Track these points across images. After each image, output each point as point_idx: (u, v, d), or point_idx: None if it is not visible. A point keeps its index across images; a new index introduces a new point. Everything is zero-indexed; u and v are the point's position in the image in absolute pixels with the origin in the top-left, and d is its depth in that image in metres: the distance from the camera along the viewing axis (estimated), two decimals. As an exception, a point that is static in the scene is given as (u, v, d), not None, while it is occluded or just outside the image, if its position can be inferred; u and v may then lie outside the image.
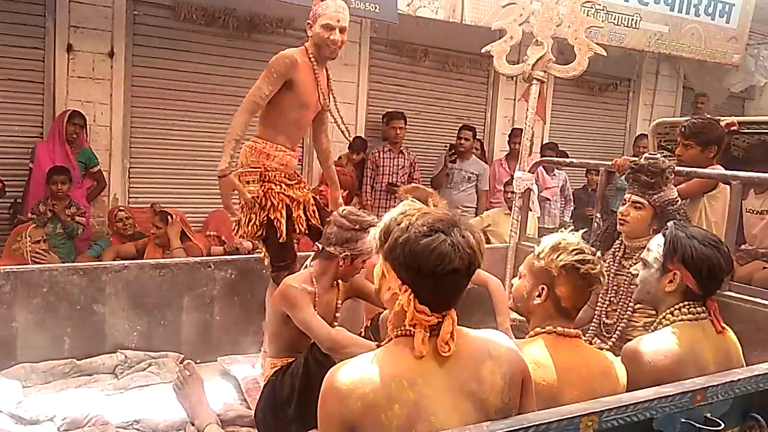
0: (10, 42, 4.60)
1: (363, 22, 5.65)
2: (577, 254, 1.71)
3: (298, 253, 2.93)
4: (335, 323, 2.46)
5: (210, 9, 5.07)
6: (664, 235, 1.97)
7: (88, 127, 4.74)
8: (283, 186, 2.80)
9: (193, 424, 2.22)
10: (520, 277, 1.84)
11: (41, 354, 2.84)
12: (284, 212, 2.78)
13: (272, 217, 2.76)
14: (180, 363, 2.97)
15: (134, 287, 3.02)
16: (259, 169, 2.74)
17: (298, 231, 2.87)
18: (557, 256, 1.71)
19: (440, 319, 1.32)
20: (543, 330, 1.73)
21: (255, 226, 2.78)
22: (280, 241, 2.76)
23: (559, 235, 1.78)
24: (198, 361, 2.97)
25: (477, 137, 6.13)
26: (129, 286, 3.01)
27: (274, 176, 2.78)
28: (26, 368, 2.77)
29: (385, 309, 2.08)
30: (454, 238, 1.29)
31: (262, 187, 2.75)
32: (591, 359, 1.72)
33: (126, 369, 2.89)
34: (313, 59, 2.82)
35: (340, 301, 2.53)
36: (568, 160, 5.52)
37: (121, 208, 4.74)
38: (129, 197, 5.13)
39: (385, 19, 5.09)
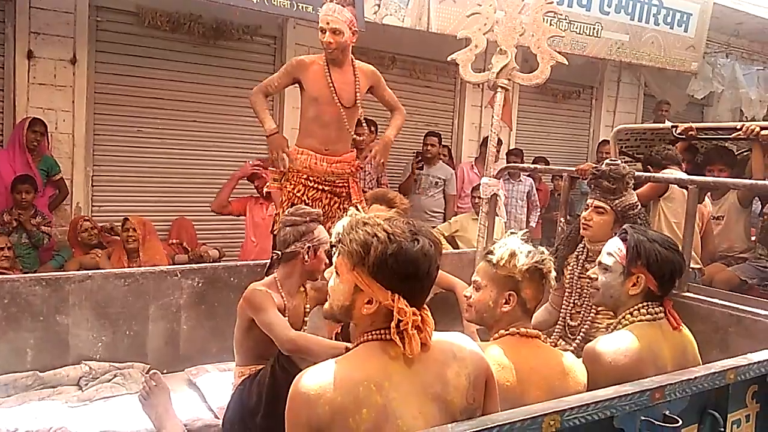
0: (-32, 48, 4.50)
1: (330, 29, 5.67)
2: (534, 256, 1.78)
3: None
4: (303, 329, 2.45)
5: (175, 15, 5.02)
6: (621, 238, 2.03)
7: (49, 134, 4.65)
8: (300, 187, 3.11)
9: (159, 435, 2.20)
10: (478, 289, 1.86)
11: (2, 367, 2.76)
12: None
13: (276, 212, 3.15)
14: (146, 373, 2.92)
15: (98, 297, 2.96)
16: (282, 170, 3.15)
17: None
18: (518, 261, 1.77)
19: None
20: (506, 332, 1.76)
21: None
22: (272, 233, 3.10)
23: (506, 241, 1.84)
24: (165, 371, 2.93)
25: (444, 144, 6.19)
26: (93, 296, 2.95)
27: (293, 176, 3.13)
28: (-13, 382, 2.70)
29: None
30: (427, 237, 1.35)
31: (281, 185, 3.14)
32: (551, 359, 1.76)
33: (91, 380, 2.82)
34: (326, 61, 3.15)
35: (308, 307, 2.53)
36: (533, 166, 5.61)
37: (86, 218, 4.65)
38: (92, 206, 5.03)
39: (352, 26, 5.11)
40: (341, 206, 3.17)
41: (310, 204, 3.05)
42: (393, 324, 1.32)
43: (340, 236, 1.38)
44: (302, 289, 2.53)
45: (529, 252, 1.79)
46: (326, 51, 3.11)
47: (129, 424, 2.48)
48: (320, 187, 3.14)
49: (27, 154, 4.45)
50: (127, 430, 2.45)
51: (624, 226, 2.11)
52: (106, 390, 2.77)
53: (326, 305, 1.45)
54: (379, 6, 5.14)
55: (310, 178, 3.12)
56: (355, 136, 3.38)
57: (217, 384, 2.88)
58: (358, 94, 3.23)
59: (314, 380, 1.30)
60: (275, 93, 3.34)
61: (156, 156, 5.23)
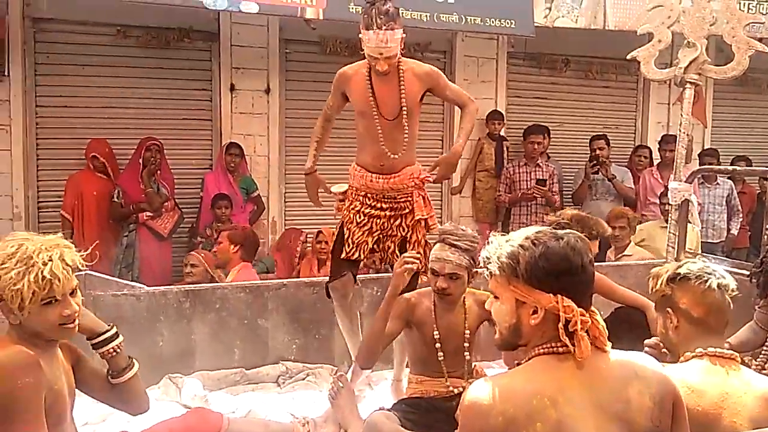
0: (183, 86, 5.22)
1: (499, 37, 5.65)
2: (672, 266, 1.80)
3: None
4: (464, 348, 2.45)
5: (353, 41, 5.31)
6: None
7: (248, 157, 5.21)
8: (356, 204, 2.91)
9: (346, 433, 2.37)
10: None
11: (216, 363, 3.17)
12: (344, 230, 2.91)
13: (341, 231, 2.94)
14: (334, 374, 3.16)
15: (292, 303, 3.29)
16: (346, 189, 3.00)
17: (350, 253, 2.87)
18: (658, 280, 1.81)
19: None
20: (692, 354, 1.65)
21: (332, 236, 3.06)
22: (342, 257, 2.89)
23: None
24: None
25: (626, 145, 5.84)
26: (287, 303, 3.28)
27: (351, 193, 2.96)
28: (203, 376, 3.11)
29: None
30: (571, 234, 1.38)
31: (345, 203, 2.97)
32: (751, 383, 1.59)
33: (288, 379, 3.14)
34: (369, 69, 2.80)
35: (468, 331, 2.45)
36: (731, 167, 5.05)
37: (322, 231, 5.03)
38: (285, 219, 5.55)
39: (521, 33, 5.05)
40: (403, 223, 2.88)
41: (366, 222, 2.87)
42: (561, 325, 1.31)
43: (488, 259, 1.40)
44: (463, 307, 2.47)
45: (669, 267, 1.83)
46: (375, 68, 2.74)
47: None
48: (378, 204, 2.87)
49: (229, 175, 5.05)
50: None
51: None
52: (301, 387, 3.06)
53: (496, 335, 1.43)
54: (550, 9, 5.02)
55: (368, 196, 2.88)
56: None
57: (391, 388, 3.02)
58: (404, 107, 2.78)
59: (486, 391, 1.31)
60: (335, 114, 3.08)
61: (337, 172, 5.60)
